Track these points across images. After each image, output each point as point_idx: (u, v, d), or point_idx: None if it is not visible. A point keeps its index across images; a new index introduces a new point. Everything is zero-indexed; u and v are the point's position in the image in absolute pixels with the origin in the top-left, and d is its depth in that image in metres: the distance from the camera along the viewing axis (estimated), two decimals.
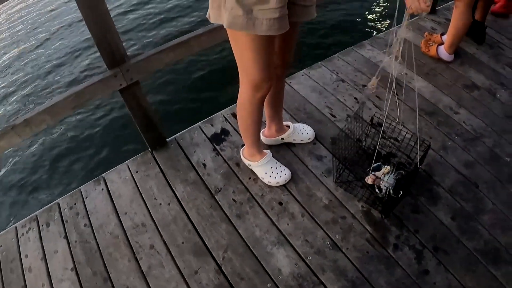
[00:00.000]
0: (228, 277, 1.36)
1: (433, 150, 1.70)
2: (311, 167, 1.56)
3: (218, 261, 1.38)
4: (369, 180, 1.49)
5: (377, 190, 1.49)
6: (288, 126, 1.58)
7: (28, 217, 1.66)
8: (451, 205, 1.54)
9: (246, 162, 1.53)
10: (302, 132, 1.60)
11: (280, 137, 1.58)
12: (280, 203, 1.48)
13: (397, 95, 1.78)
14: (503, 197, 1.57)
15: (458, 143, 1.75)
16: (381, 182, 1.47)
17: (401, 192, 1.37)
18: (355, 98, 1.75)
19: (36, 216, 1.64)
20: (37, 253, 1.55)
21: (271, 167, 1.48)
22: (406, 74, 1.87)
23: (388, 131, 1.60)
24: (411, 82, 1.84)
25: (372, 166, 1.52)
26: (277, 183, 1.49)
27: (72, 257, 1.50)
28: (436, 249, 1.43)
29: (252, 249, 1.40)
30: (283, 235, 1.42)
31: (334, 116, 1.69)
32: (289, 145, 1.65)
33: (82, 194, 1.63)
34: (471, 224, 1.50)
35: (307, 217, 1.46)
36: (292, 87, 1.82)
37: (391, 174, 1.48)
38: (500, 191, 1.59)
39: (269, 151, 1.52)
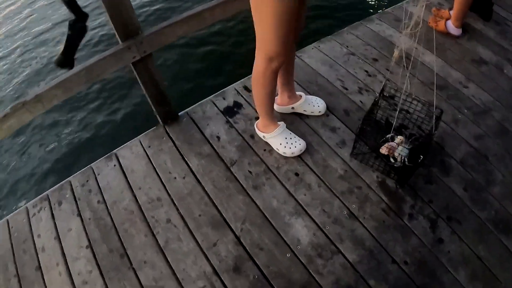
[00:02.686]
0: (247, 248, 1.36)
1: (444, 122, 1.71)
2: (326, 138, 1.56)
3: (236, 233, 1.38)
4: (383, 150, 1.50)
5: (392, 160, 1.49)
6: (301, 96, 1.59)
7: (38, 197, 1.63)
8: (462, 176, 1.56)
9: (261, 134, 1.52)
10: (313, 104, 1.60)
11: (291, 106, 1.59)
12: (297, 174, 1.48)
13: (407, 69, 1.78)
14: None
15: (468, 116, 1.76)
16: (395, 152, 1.48)
17: (421, 158, 1.38)
18: (366, 71, 1.74)
19: (47, 195, 1.62)
20: (50, 233, 1.53)
21: (286, 138, 1.48)
22: (416, 48, 1.86)
23: (400, 103, 1.60)
24: (420, 56, 1.84)
25: (386, 136, 1.53)
26: (292, 153, 1.49)
27: (87, 234, 1.48)
28: (449, 219, 1.45)
29: (270, 220, 1.40)
30: (301, 206, 1.43)
31: (346, 89, 1.69)
32: (302, 117, 1.64)
33: (94, 171, 1.60)
34: (482, 195, 1.52)
35: (324, 188, 1.46)
36: (303, 61, 1.81)
37: (405, 143, 1.49)
38: (509, 163, 1.62)
39: (282, 122, 1.51)
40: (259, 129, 1.53)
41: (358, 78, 1.72)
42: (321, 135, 1.56)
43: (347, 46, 1.83)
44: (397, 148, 1.48)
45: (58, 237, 1.51)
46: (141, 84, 1.49)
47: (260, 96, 1.38)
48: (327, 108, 1.64)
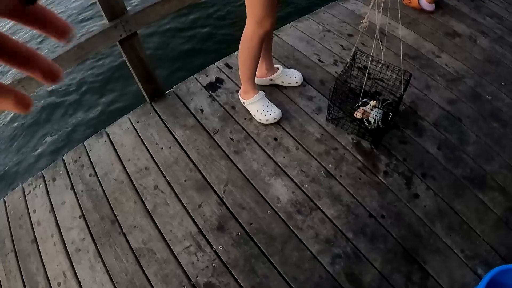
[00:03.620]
0: (230, 208, 1.44)
1: (417, 88, 1.79)
2: (303, 106, 1.64)
3: (219, 194, 1.46)
4: (358, 114, 1.58)
5: (366, 123, 1.57)
6: (278, 68, 1.69)
7: (34, 176, 1.73)
8: (436, 136, 1.64)
9: (242, 100, 1.63)
10: (290, 76, 1.70)
11: (269, 77, 1.69)
12: (275, 139, 1.57)
13: (381, 42, 1.87)
14: (485, 130, 1.67)
15: (441, 83, 1.84)
16: (369, 115, 1.56)
17: (390, 115, 1.46)
18: (341, 45, 1.84)
19: (42, 173, 1.71)
20: (45, 207, 1.62)
21: (263, 105, 1.58)
22: (389, 23, 1.96)
23: (374, 73, 1.69)
24: (394, 31, 1.94)
25: (360, 102, 1.61)
26: (266, 120, 1.58)
27: (80, 205, 1.56)
28: (424, 175, 1.52)
29: (251, 181, 1.48)
30: (280, 167, 1.51)
31: (322, 62, 1.78)
32: (280, 88, 1.73)
33: (86, 148, 1.70)
34: (456, 154, 1.59)
35: (301, 150, 1.54)
36: (281, 38, 1.91)
37: (378, 107, 1.58)
38: (483, 125, 1.69)
39: (262, 91, 1.61)
40: (240, 96, 1.63)
41: (333, 52, 1.81)
42: (298, 103, 1.65)
43: (323, 24, 1.94)
44: (371, 112, 1.57)
45: (52, 210, 1.59)
46: (128, 63, 1.59)
47: (245, 60, 1.47)
48: (304, 79, 1.73)
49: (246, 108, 1.66)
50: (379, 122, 1.55)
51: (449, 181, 1.51)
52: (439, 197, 1.48)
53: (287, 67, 1.79)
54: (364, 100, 1.62)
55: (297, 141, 1.56)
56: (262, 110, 1.57)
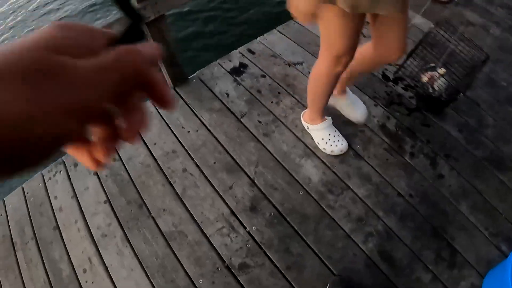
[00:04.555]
0: (262, 189, 1.43)
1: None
2: None
3: (250, 176, 1.45)
4: (425, 78, 1.59)
5: (430, 89, 1.58)
6: (345, 92, 1.49)
7: (53, 163, 1.68)
8: (456, 120, 1.67)
9: (305, 125, 1.50)
10: (353, 107, 1.50)
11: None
12: None
13: None
14: (502, 114, 1.72)
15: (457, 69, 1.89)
16: (435, 82, 1.57)
17: (460, 94, 1.47)
18: (362, 33, 1.87)
19: (62, 159, 1.66)
20: (67, 193, 1.58)
21: (329, 134, 1.45)
22: None
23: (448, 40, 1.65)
24: (411, 19, 1.98)
25: (430, 64, 1.61)
26: (331, 151, 1.46)
27: (104, 190, 1.53)
28: (447, 157, 1.55)
29: (282, 162, 1.48)
30: (309, 148, 1.51)
31: None
32: (303, 72, 1.74)
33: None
34: (476, 136, 1.63)
35: None
36: (302, 25, 1.93)
37: (446, 77, 1.58)
38: (499, 110, 1.74)
39: (330, 117, 1.48)
40: (304, 119, 1.50)
41: None
42: None
43: None
44: (438, 79, 1.57)
45: (75, 196, 1.55)
46: None
47: (317, 95, 1.30)
48: None
49: (273, 92, 1.66)
50: (443, 93, 1.56)
51: (470, 162, 1.55)
52: (462, 177, 1.51)
53: (309, 53, 1.79)
54: (432, 65, 1.63)
55: None
56: (328, 139, 1.45)
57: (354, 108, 1.52)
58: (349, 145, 1.52)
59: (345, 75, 1.30)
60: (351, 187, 1.44)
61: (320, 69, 1.18)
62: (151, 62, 0.20)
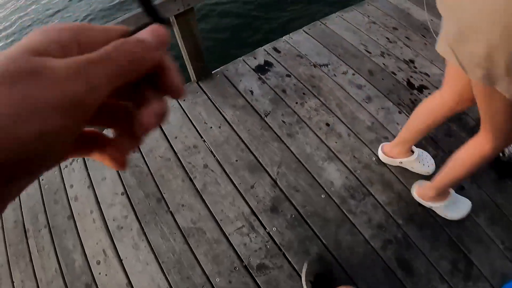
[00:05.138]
0: (284, 190, 1.41)
1: None
2: (353, 94, 1.64)
3: (272, 176, 1.43)
4: None
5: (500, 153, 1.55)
6: (413, 151, 1.42)
7: None
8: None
9: (428, 203, 1.37)
10: (423, 163, 1.45)
11: (399, 159, 1.43)
12: (327, 124, 1.55)
13: (424, 37, 1.90)
14: None
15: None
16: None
17: None
18: (387, 38, 1.85)
19: None
20: (83, 182, 1.55)
21: (455, 203, 1.38)
22: (432, 20, 1.99)
23: None
24: (437, 28, 1.97)
25: None
26: (455, 217, 1.38)
27: (122, 182, 1.50)
28: None
29: (305, 164, 1.46)
30: (332, 152, 1.49)
31: (369, 52, 1.79)
32: (330, 75, 1.72)
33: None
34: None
35: (353, 136, 1.54)
36: (328, 27, 1.91)
37: None
38: None
39: (452, 189, 1.38)
40: (422, 196, 1.38)
41: (379, 43, 1.83)
42: (348, 91, 1.65)
43: (369, 16, 1.95)
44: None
45: (92, 186, 1.52)
46: (179, 39, 1.55)
47: (460, 175, 1.15)
48: (353, 69, 1.73)
49: (297, 92, 1.65)
50: None
51: (492, 177, 1.54)
52: (482, 190, 1.50)
53: (336, 56, 1.78)
54: None
55: (349, 128, 1.55)
56: (452, 205, 1.37)
57: (423, 161, 1.46)
58: (372, 151, 1.51)
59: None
60: (372, 193, 1.43)
61: (481, 151, 1.01)
62: (154, 47, 0.18)
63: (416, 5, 2.05)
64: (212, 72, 1.73)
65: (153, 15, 0.20)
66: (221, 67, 1.76)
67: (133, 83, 0.18)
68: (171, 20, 1.49)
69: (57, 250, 1.45)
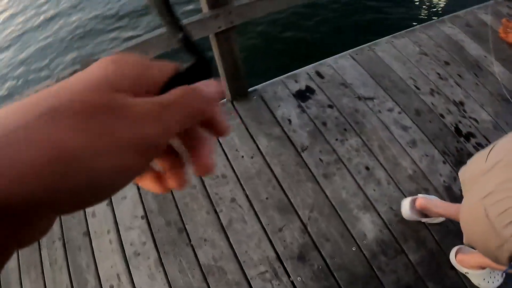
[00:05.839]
0: (313, 237, 1.33)
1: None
2: (397, 135, 1.52)
3: (303, 220, 1.35)
4: None
5: None
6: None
7: None
8: None
9: (464, 269, 1.29)
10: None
11: (424, 219, 1.36)
12: (367, 168, 1.45)
13: (477, 76, 1.75)
14: None
15: None
16: None
17: None
18: (438, 74, 1.70)
19: None
20: None
21: (490, 272, 1.29)
22: (485, 56, 1.83)
23: None
24: (490, 66, 1.81)
25: None
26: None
27: (143, 204, 1.42)
28: None
29: (338, 211, 1.37)
30: (369, 200, 1.40)
31: (418, 88, 1.65)
32: (374, 111, 1.59)
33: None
34: None
35: (393, 185, 1.44)
36: (377, 54, 1.75)
37: None
38: None
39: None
40: (459, 262, 1.30)
41: (430, 79, 1.68)
42: (392, 132, 1.53)
43: (420, 46, 1.79)
44: None
45: (111, 204, 1.44)
46: (217, 56, 1.41)
47: None
48: (399, 105, 1.60)
49: (339, 127, 1.52)
50: None
51: None
52: None
53: (382, 89, 1.64)
54: None
55: (389, 175, 1.45)
56: (488, 275, 1.28)
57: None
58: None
59: None
60: (405, 251, 1.35)
61: None
62: (213, 100, 0.20)
63: (470, 37, 1.88)
64: (249, 90, 1.59)
65: (198, 57, 0.21)
66: (259, 87, 1.62)
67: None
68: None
69: (70, 266, 1.39)
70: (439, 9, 2.95)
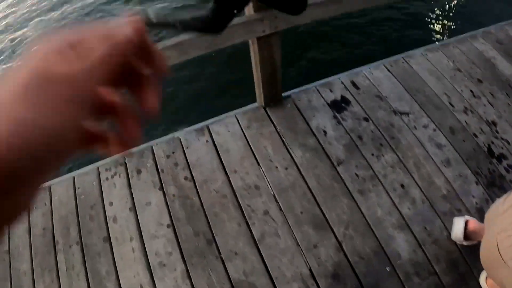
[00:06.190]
0: (348, 255, 1.29)
1: None
2: (431, 153, 1.49)
3: (338, 237, 1.31)
4: None
5: None
6: None
7: (112, 159, 1.46)
8: None
9: None
10: None
11: (465, 242, 1.33)
12: (402, 186, 1.42)
13: (508, 96, 1.74)
14: None
15: None
16: None
17: None
18: (471, 91, 1.68)
19: (124, 161, 1.45)
20: (125, 202, 1.39)
21: None
22: None
23: None
24: None
25: None
26: None
27: (169, 212, 1.35)
28: None
29: (373, 229, 1.33)
30: (404, 219, 1.37)
31: (452, 105, 1.62)
32: (410, 127, 1.55)
33: (181, 143, 1.45)
34: None
35: (427, 204, 1.41)
36: (411, 66, 1.71)
37: None
38: None
39: None
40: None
41: (463, 96, 1.65)
42: (427, 149, 1.50)
43: (454, 61, 1.76)
44: None
45: (134, 209, 1.37)
46: (255, 61, 1.34)
47: None
48: (434, 122, 1.57)
49: (375, 142, 1.48)
50: None
51: None
52: None
53: (417, 103, 1.60)
54: None
55: (424, 194, 1.42)
56: None
57: None
58: (444, 225, 1.39)
59: None
60: (438, 272, 1.32)
61: None
62: (138, 34, 0.21)
63: (502, 55, 1.86)
64: (282, 94, 1.52)
65: None
66: (292, 93, 1.56)
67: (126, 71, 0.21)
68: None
69: (88, 272, 1.31)
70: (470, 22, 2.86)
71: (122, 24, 0.21)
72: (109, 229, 1.34)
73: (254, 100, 1.53)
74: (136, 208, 1.35)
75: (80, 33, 0.20)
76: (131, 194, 1.38)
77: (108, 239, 1.33)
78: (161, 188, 1.37)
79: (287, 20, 1.24)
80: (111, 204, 1.37)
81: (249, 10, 1.19)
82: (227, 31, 1.16)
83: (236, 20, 1.17)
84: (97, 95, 0.19)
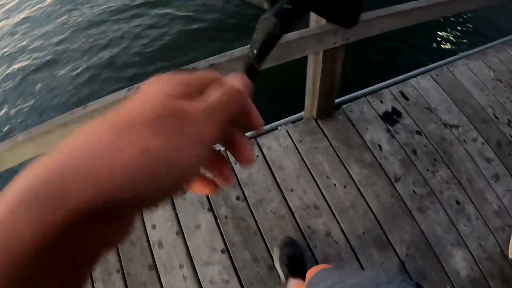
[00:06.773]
0: (411, 276, 1.25)
1: None
2: (482, 168, 1.48)
3: (401, 258, 1.26)
4: None
5: None
6: None
7: None
8: None
9: None
10: None
11: None
12: (458, 202, 1.39)
13: None
14: None
15: None
16: None
17: None
18: None
19: None
20: (170, 225, 1.26)
21: None
22: None
23: None
24: None
25: None
26: None
27: (223, 236, 1.25)
28: None
29: (434, 248, 1.30)
30: (461, 237, 1.35)
31: (497, 118, 1.61)
32: (460, 141, 1.52)
33: (229, 157, 1.33)
34: None
35: (481, 221, 1.40)
36: (455, 76, 1.68)
37: None
38: None
39: None
40: None
41: (506, 108, 1.65)
42: (478, 164, 1.48)
43: (494, 70, 1.74)
44: None
45: (181, 233, 1.25)
46: (314, 73, 1.25)
47: None
48: (483, 137, 1.55)
49: (429, 157, 1.44)
50: None
51: None
52: None
53: (466, 118, 1.57)
54: None
55: (477, 210, 1.40)
56: None
57: None
58: (496, 241, 1.38)
59: None
60: None
61: None
62: (246, 94, 0.22)
63: None
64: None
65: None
66: (344, 105, 1.48)
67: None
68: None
69: None
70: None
71: (232, 78, 0.22)
72: (154, 256, 1.22)
73: (289, 108, 1.43)
74: (184, 232, 1.23)
75: (196, 76, 0.21)
76: (176, 215, 1.25)
77: (154, 267, 1.21)
78: (210, 209, 1.26)
79: (358, 32, 1.15)
80: (153, 227, 1.24)
81: (318, 21, 1.09)
82: (300, 43, 1.05)
83: (306, 32, 1.07)
84: (222, 140, 0.21)
